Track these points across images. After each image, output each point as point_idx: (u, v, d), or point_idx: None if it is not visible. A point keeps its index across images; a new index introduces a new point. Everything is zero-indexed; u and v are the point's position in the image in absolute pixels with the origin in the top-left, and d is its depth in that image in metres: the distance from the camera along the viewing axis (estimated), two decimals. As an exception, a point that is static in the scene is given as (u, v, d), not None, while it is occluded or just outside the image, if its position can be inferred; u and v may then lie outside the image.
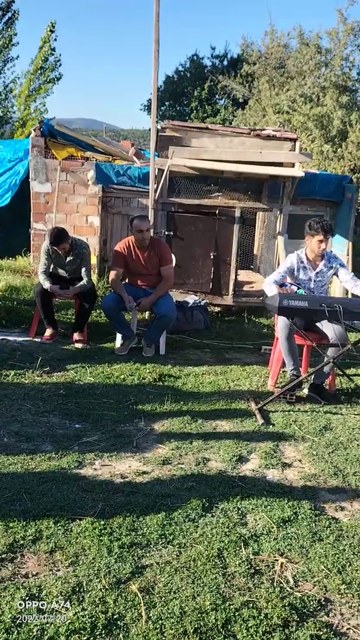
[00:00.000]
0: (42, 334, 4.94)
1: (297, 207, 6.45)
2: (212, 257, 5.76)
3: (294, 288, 4.16)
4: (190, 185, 5.74)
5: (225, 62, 17.01)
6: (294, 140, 5.52)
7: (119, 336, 4.89)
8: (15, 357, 4.43)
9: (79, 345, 4.84)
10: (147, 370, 4.37)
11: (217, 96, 15.54)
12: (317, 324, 4.10)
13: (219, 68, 16.49)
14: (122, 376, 4.24)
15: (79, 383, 4.06)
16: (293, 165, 5.55)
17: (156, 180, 5.50)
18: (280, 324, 4.02)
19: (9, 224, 9.43)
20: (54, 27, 19.04)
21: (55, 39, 18.90)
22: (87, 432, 3.29)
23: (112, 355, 4.74)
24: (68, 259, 4.86)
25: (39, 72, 19.68)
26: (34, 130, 7.21)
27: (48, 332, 4.91)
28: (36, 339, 4.91)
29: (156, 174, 5.51)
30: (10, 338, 4.90)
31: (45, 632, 1.74)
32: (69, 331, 5.06)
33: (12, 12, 18.68)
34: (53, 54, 19.25)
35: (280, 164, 5.56)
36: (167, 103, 17.43)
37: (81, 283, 4.85)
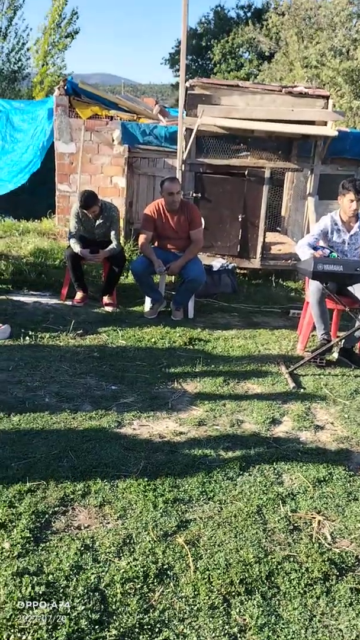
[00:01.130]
0: (72, 296, 5.02)
1: (327, 167, 6.31)
2: (240, 219, 5.71)
3: (327, 251, 4.13)
4: (218, 145, 5.64)
5: (249, 14, 16.31)
6: (327, 97, 5.35)
7: (147, 300, 4.94)
8: (49, 320, 4.52)
9: (109, 309, 4.91)
10: (177, 334, 4.44)
11: (241, 49, 14.97)
12: (349, 288, 4.09)
13: (244, 19, 15.83)
14: (153, 339, 4.31)
15: (112, 346, 4.14)
16: (325, 123, 5.41)
17: (184, 140, 5.41)
18: (312, 287, 4.01)
19: (32, 186, 9.42)
20: None
21: None
22: (124, 394, 3.39)
23: (141, 318, 4.80)
24: (97, 222, 4.87)
25: (56, 26, 19.13)
26: (58, 88, 7.09)
27: (79, 295, 4.98)
28: (67, 302, 4.99)
29: (184, 133, 5.42)
30: (43, 301, 4.99)
31: (102, 580, 1.86)
32: (98, 294, 5.12)
33: None
34: (67, 4, 18.62)
35: (312, 122, 5.42)
36: (189, 57, 16.89)
37: (110, 246, 4.87)
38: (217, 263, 5.68)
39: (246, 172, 5.56)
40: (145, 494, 2.36)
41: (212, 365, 3.90)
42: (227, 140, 5.61)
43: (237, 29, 14.67)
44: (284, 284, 6.10)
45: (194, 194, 5.60)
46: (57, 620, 1.66)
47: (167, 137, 6.43)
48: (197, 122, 5.22)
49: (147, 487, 2.40)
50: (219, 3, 16.54)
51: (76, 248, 4.79)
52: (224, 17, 16.33)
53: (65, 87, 6.96)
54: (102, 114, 7.06)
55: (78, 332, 4.29)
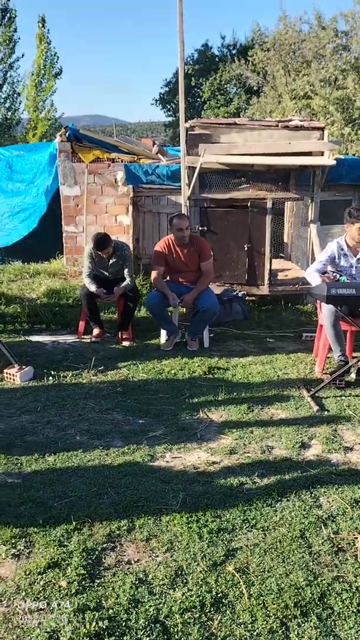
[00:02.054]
0: (88, 333, 5.12)
1: (325, 193, 6.49)
2: (246, 248, 5.86)
3: (337, 275, 4.25)
4: (220, 180, 5.83)
5: (234, 51, 16.94)
6: (322, 129, 5.58)
7: (163, 332, 5.04)
8: (69, 359, 4.61)
9: (126, 343, 5.00)
10: (196, 364, 4.52)
11: (229, 85, 15.49)
12: (361, 309, 4.19)
13: (229, 57, 16.43)
14: (173, 371, 4.39)
15: (133, 380, 4.22)
16: (322, 153, 5.61)
17: (188, 177, 5.60)
18: (326, 311, 4.12)
19: (37, 230, 9.64)
20: (44, 20, 19.14)
21: (49, 32, 18.99)
22: (152, 427, 3.45)
23: (158, 351, 4.89)
24: (111, 261, 5.01)
25: (42, 70, 19.86)
26: (60, 135, 7.35)
27: (96, 331, 5.08)
28: (85, 339, 5.09)
29: (187, 171, 5.62)
30: (60, 340, 5.09)
31: (161, 611, 1.90)
32: (113, 331, 5.22)
33: (10, 10, 18.83)
34: (49, 48, 19.38)
35: (309, 153, 5.63)
36: (177, 96, 17.46)
37: (124, 283, 5.00)
38: (226, 292, 5.80)
39: (249, 204, 5.74)
40: (189, 525, 2.40)
41: (234, 393, 3.97)
42: (228, 175, 5.81)
43: (224, 65, 15.23)
44: (294, 308, 6.21)
45: (200, 228, 5.76)
46: (125, 654, 1.70)
47: (169, 175, 6.65)
48: (200, 161, 5.42)
49: (189, 519, 2.44)
50: (204, 42, 17.18)
51: (91, 287, 4.91)
52: (210, 56, 16.98)
53: (67, 134, 7.22)
54: (103, 157, 7.30)
55: (99, 368, 4.37)
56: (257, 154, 5.48)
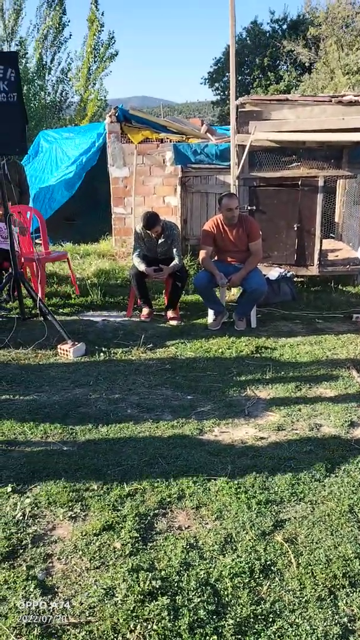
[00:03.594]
0: (137, 312, 5.21)
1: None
2: (295, 228, 5.79)
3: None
4: (270, 158, 5.76)
5: (284, 27, 16.47)
6: (377, 103, 5.39)
7: (210, 312, 5.07)
8: (119, 336, 4.72)
9: (173, 323, 5.07)
10: (243, 343, 4.54)
11: (280, 62, 15.12)
12: None
13: (280, 33, 16.00)
14: (220, 350, 4.43)
15: (181, 358, 4.28)
16: (377, 128, 5.43)
17: (237, 156, 5.56)
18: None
19: (82, 211, 9.82)
20: (97, 2, 19.03)
21: (102, 14, 18.91)
22: (200, 402, 3.51)
23: (206, 330, 4.93)
24: (160, 241, 5.06)
25: (94, 51, 19.87)
26: (109, 116, 7.41)
27: (145, 311, 5.17)
28: (134, 318, 5.19)
29: (237, 150, 5.57)
30: (111, 319, 5.21)
31: (211, 575, 1.97)
32: (163, 310, 5.30)
33: None
34: (103, 31, 19.31)
35: (363, 129, 5.46)
36: (227, 74, 17.19)
37: (173, 263, 5.04)
38: (274, 272, 5.76)
39: (299, 183, 5.64)
40: (238, 496, 2.45)
41: (282, 372, 3.97)
42: (279, 153, 5.72)
43: (274, 42, 14.86)
44: (344, 289, 6.10)
45: (249, 207, 5.72)
46: (178, 611, 1.78)
47: (217, 154, 6.61)
48: (250, 139, 5.37)
49: (238, 490, 2.50)
50: (253, 19, 16.77)
51: (141, 267, 4.99)
52: (259, 32, 16.59)
53: (117, 115, 7.27)
54: (152, 137, 7.32)
55: (148, 346, 4.46)
56: (309, 130, 5.37)
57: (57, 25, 19.41)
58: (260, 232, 5.11)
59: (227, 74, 17.01)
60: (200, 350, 4.42)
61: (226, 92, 16.87)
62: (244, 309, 4.98)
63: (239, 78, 16.75)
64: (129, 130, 7.28)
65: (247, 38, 16.87)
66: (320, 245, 5.82)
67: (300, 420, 3.26)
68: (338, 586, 1.93)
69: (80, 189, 8.54)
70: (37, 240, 6.50)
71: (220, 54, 18.95)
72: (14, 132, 3.95)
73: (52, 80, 19.83)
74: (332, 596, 1.89)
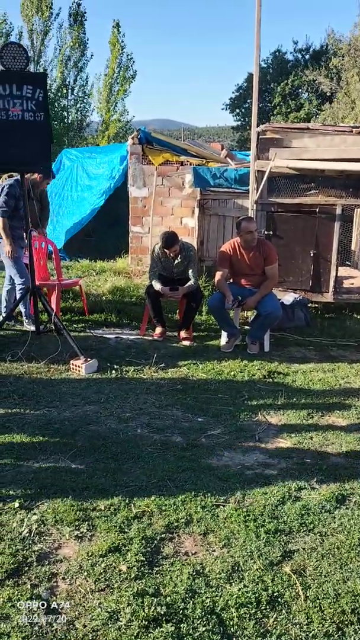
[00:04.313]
0: (150, 331, 5.23)
1: None
2: (311, 254, 5.80)
3: None
4: (288, 185, 5.80)
5: (307, 56, 16.73)
6: None
7: (224, 334, 5.07)
8: (131, 354, 4.72)
9: (186, 343, 5.07)
10: (256, 367, 4.52)
11: (300, 91, 15.32)
12: None
13: (302, 62, 16.25)
14: (232, 372, 4.41)
15: (193, 379, 4.27)
16: None
17: (256, 181, 5.61)
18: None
19: (101, 228, 9.95)
20: (119, 25, 19.51)
21: (124, 36, 19.40)
22: (210, 425, 3.49)
23: (218, 352, 4.93)
24: (176, 261, 5.10)
25: (115, 74, 20.33)
26: (132, 138, 7.55)
27: (158, 330, 5.18)
28: (147, 337, 5.20)
29: (256, 175, 5.63)
30: (123, 336, 5.23)
31: (217, 604, 1.93)
32: (176, 330, 5.31)
33: (81, 14, 19.40)
34: (124, 52, 19.79)
35: (383, 159, 5.49)
36: (248, 100, 17.46)
37: (189, 284, 5.07)
38: (289, 297, 5.76)
39: (317, 210, 5.67)
40: (246, 524, 2.42)
41: (294, 398, 3.94)
42: (297, 180, 5.76)
43: (296, 71, 15.06)
44: (358, 317, 6.08)
45: (266, 232, 5.75)
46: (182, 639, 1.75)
47: (236, 179, 6.67)
48: (270, 165, 5.42)
49: (247, 518, 2.46)
50: (277, 48, 17.06)
51: (157, 286, 5.02)
52: (282, 60, 16.85)
53: (139, 137, 7.40)
54: (173, 159, 7.43)
55: (160, 365, 4.46)
56: (329, 159, 5.41)
57: (79, 45, 19.90)
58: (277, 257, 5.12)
59: (248, 100, 17.29)
60: (212, 372, 4.41)
61: (247, 118, 17.10)
62: (257, 333, 4.98)
63: (260, 105, 17.01)
64: (150, 152, 7.39)
65: (270, 66, 17.16)
66: (336, 273, 5.81)
67: (311, 448, 3.22)
68: (346, 622, 1.89)
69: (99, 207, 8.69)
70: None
71: (242, 80, 19.31)
72: (40, 150, 4.03)
73: (73, 100, 20.31)
74: (339, 632, 1.85)
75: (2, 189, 4.90)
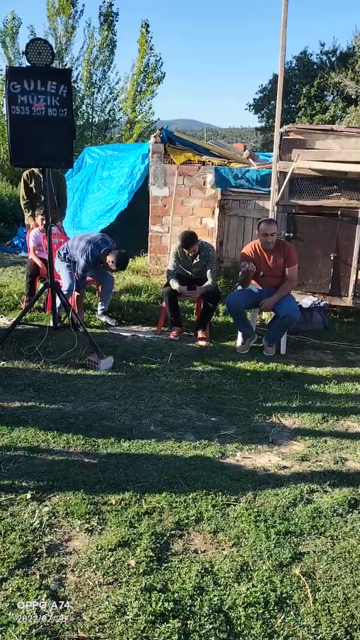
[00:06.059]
0: (166, 330, 5.23)
1: None
2: (332, 257, 5.74)
3: None
4: (310, 186, 5.75)
5: (333, 58, 16.59)
6: None
7: (239, 335, 5.05)
8: (147, 352, 4.73)
9: (202, 343, 5.06)
10: (271, 369, 4.49)
11: (326, 93, 15.20)
12: None
13: (328, 65, 16.12)
14: (248, 374, 4.39)
15: (208, 379, 4.26)
16: None
17: (278, 182, 5.58)
18: None
19: (120, 226, 9.97)
20: (147, 25, 19.49)
21: (152, 37, 19.37)
22: (224, 425, 3.48)
23: (234, 353, 4.91)
24: (195, 261, 5.09)
25: (143, 74, 20.37)
26: (154, 137, 7.55)
27: (175, 329, 5.18)
28: (163, 336, 5.21)
29: (278, 176, 5.60)
30: (140, 334, 5.24)
31: (225, 603, 1.93)
32: (193, 330, 5.30)
33: (112, 14, 19.43)
34: (152, 53, 19.78)
35: None
36: (272, 102, 17.38)
37: (207, 284, 5.06)
38: (307, 300, 5.71)
39: (339, 212, 5.62)
40: (257, 524, 2.41)
41: (309, 401, 3.91)
42: (319, 182, 5.71)
43: (322, 73, 14.95)
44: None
45: (287, 234, 5.71)
46: (188, 636, 1.74)
47: (258, 180, 6.64)
48: (293, 166, 5.39)
49: (257, 518, 2.45)
50: (303, 49, 16.93)
51: (174, 285, 5.02)
52: (307, 62, 16.75)
53: (161, 136, 7.40)
54: (194, 159, 7.41)
55: (175, 364, 4.45)
56: (352, 161, 5.35)
57: (108, 44, 19.94)
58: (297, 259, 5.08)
59: (272, 101, 17.20)
60: (227, 373, 4.39)
61: (270, 120, 17.01)
62: (274, 335, 4.94)
63: (285, 106, 16.91)
64: (172, 152, 7.39)
65: (296, 67, 17.06)
66: (357, 277, 5.74)
67: (325, 452, 3.19)
68: (355, 627, 1.86)
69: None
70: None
71: (267, 81, 19.27)
72: (63, 146, 4.06)
73: (99, 99, 20.37)
74: (348, 636, 1.83)
75: (85, 251, 5.01)
